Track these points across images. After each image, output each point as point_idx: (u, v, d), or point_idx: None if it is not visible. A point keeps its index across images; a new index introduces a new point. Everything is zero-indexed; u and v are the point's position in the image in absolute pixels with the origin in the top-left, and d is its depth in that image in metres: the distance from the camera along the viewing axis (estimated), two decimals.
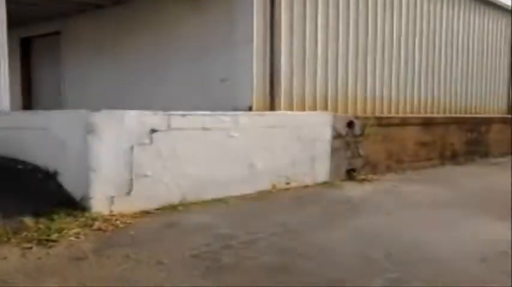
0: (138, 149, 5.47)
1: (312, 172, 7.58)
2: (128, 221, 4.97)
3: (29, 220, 4.58)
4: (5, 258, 3.83)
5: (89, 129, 5.16)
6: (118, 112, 5.46)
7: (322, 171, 7.75)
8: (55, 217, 4.71)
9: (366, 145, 8.43)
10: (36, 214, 4.73)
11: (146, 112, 5.68)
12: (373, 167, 8.61)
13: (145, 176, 5.53)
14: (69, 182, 5.52)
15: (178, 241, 4.42)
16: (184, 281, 3.45)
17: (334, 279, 3.50)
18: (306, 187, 7.35)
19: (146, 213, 5.35)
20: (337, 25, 8.71)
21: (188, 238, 4.52)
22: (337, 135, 7.93)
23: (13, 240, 4.20)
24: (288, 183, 7.18)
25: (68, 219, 4.73)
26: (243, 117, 6.75)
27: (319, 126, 7.71)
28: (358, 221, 5.34)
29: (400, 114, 9.89)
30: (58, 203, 5.09)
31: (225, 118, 6.49)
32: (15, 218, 4.58)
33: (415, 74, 10.47)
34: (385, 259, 3.96)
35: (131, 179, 5.38)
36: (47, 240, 4.22)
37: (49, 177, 5.79)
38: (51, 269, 3.64)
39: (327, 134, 7.80)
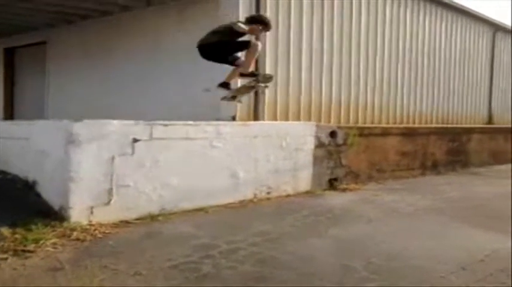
0: (119, 159, 5.42)
1: (293, 181, 7.59)
2: (107, 231, 4.92)
3: (5, 230, 4.51)
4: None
5: (70, 140, 5.09)
6: (99, 122, 5.41)
7: (304, 180, 7.76)
8: (32, 227, 4.62)
9: (348, 155, 8.48)
10: (13, 224, 4.66)
11: (128, 122, 5.62)
12: (355, 177, 8.66)
13: (126, 186, 5.49)
14: (48, 192, 5.47)
15: (158, 251, 4.38)
16: None
17: None
18: (288, 196, 7.36)
19: (126, 223, 5.29)
20: (322, 35, 8.80)
21: (167, 248, 4.49)
22: (319, 145, 7.97)
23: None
24: (269, 193, 7.17)
25: (46, 229, 4.65)
26: (226, 127, 6.72)
27: (302, 136, 7.74)
28: (338, 231, 5.35)
29: (383, 124, 9.97)
30: (36, 213, 5.01)
31: (208, 128, 6.46)
32: None
33: (398, 84, 10.57)
34: (364, 268, 3.98)
35: (111, 189, 5.34)
36: (24, 250, 4.16)
37: (28, 187, 5.75)
38: (26, 280, 3.59)
39: (310, 143, 7.83)
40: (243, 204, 6.62)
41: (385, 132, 9.50)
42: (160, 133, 5.89)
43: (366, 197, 7.54)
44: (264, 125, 7.57)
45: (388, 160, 9.47)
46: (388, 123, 10.21)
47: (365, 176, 8.90)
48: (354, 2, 9.36)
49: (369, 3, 9.70)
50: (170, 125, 6.08)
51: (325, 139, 8.07)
